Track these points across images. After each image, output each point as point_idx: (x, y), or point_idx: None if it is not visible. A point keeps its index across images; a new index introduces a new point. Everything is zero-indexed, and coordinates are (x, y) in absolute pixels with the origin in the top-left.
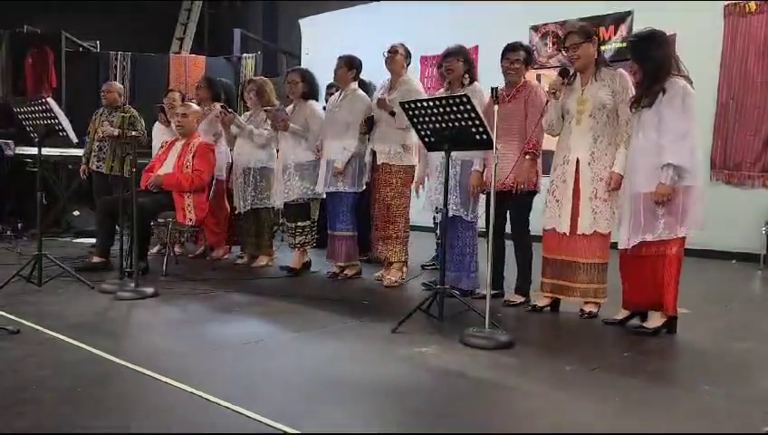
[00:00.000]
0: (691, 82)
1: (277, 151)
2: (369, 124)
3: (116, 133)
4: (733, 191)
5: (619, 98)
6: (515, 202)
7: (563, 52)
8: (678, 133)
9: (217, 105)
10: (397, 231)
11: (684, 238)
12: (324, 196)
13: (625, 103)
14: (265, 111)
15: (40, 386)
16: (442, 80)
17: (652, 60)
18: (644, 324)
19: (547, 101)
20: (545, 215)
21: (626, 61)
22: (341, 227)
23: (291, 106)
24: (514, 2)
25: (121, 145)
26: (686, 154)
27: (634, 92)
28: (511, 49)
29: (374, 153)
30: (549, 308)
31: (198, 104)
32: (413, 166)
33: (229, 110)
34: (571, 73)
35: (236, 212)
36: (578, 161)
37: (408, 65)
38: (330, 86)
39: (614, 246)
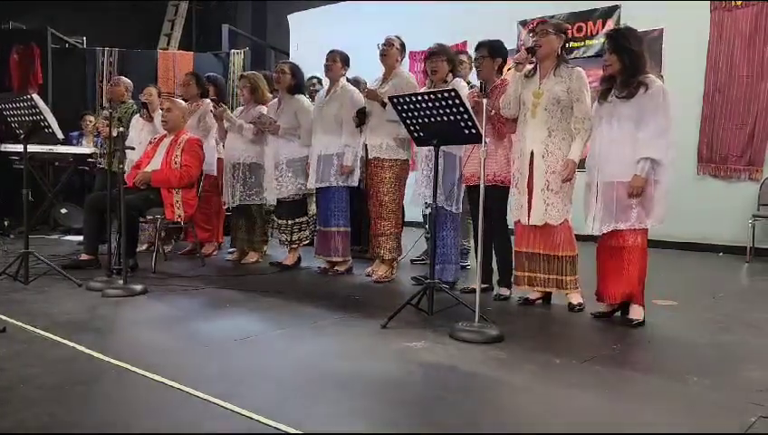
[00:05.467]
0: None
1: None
2: (360, 117)
3: (115, 134)
4: (719, 184)
5: (574, 96)
6: (492, 196)
7: (530, 38)
8: (659, 129)
9: (207, 101)
10: (389, 228)
11: (646, 230)
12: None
13: (581, 101)
14: (252, 123)
15: (27, 384)
16: (425, 77)
17: (631, 52)
18: (630, 316)
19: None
20: (513, 207)
21: None
22: (335, 222)
23: (275, 100)
24: None
25: (110, 141)
26: (664, 149)
27: (589, 90)
28: (476, 48)
29: (366, 147)
30: (540, 301)
31: (186, 100)
32: (406, 160)
33: (219, 103)
34: (532, 67)
35: (226, 207)
36: (532, 154)
37: (402, 59)
38: (311, 78)
39: (593, 238)
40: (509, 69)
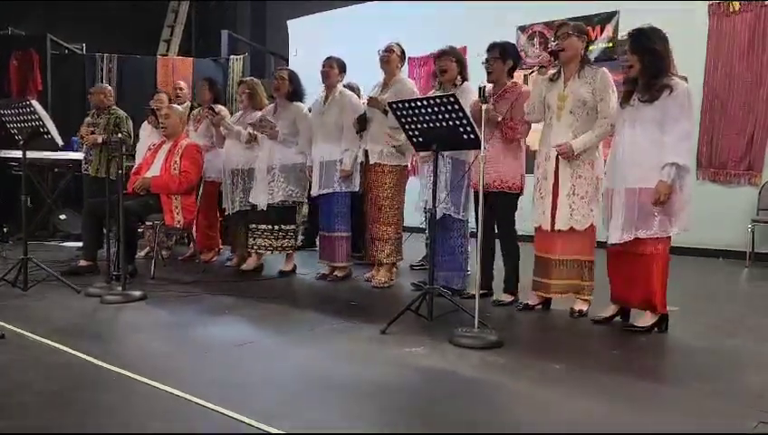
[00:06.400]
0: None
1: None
2: (361, 122)
3: (99, 141)
4: (719, 189)
5: (598, 96)
6: (500, 202)
7: (551, 42)
8: (683, 133)
9: (219, 107)
10: (389, 232)
11: (670, 237)
12: (307, 199)
13: (604, 101)
14: (250, 124)
15: (25, 390)
16: (434, 79)
17: (653, 53)
18: (636, 323)
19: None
20: (533, 213)
21: (611, 61)
22: (337, 227)
23: (271, 107)
24: (501, 2)
25: (107, 147)
26: (688, 155)
27: (615, 91)
28: (488, 49)
29: (366, 153)
30: (540, 307)
31: (198, 105)
32: (406, 166)
33: (215, 110)
34: (556, 71)
35: (225, 214)
36: (557, 158)
37: (402, 66)
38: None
39: (601, 244)
40: (531, 72)
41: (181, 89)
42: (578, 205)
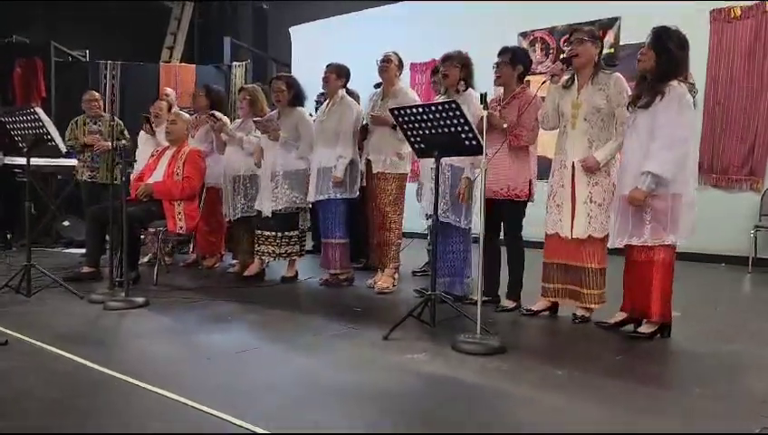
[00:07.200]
0: (694, 92)
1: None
2: (363, 132)
3: (111, 146)
4: (721, 195)
5: (614, 102)
6: (508, 210)
7: (565, 48)
8: (668, 141)
9: (217, 114)
10: (393, 238)
11: (670, 245)
12: (310, 205)
13: (622, 106)
14: (255, 121)
15: (27, 397)
16: (435, 87)
17: (670, 54)
18: (639, 329)
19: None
20: (547, 220)
21: (613, 66)
22: (334, 234)
23: (275, 112)
24: (503, 4)
25: (112, 154)
26: (670, 163)
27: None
28: (499, 53)
29: (368, 162)
30: (547, 312)
31: (195, 112)
32: (406, 174)
33: (217, 117)
34: (569, 77)
35: (227, 220)
36: (573, 166)
37: (400, 74)
38: (321, 95)
39: (620, 251)
40: (544, 82)
41: (167, 95)
42: (595, 212)
